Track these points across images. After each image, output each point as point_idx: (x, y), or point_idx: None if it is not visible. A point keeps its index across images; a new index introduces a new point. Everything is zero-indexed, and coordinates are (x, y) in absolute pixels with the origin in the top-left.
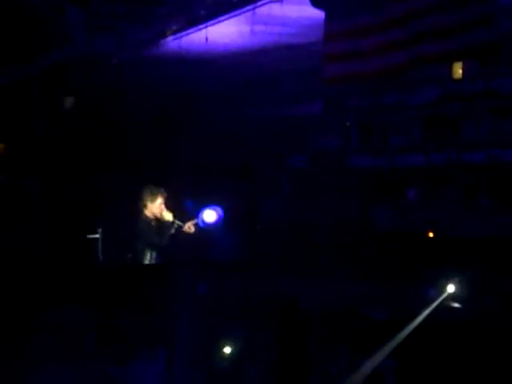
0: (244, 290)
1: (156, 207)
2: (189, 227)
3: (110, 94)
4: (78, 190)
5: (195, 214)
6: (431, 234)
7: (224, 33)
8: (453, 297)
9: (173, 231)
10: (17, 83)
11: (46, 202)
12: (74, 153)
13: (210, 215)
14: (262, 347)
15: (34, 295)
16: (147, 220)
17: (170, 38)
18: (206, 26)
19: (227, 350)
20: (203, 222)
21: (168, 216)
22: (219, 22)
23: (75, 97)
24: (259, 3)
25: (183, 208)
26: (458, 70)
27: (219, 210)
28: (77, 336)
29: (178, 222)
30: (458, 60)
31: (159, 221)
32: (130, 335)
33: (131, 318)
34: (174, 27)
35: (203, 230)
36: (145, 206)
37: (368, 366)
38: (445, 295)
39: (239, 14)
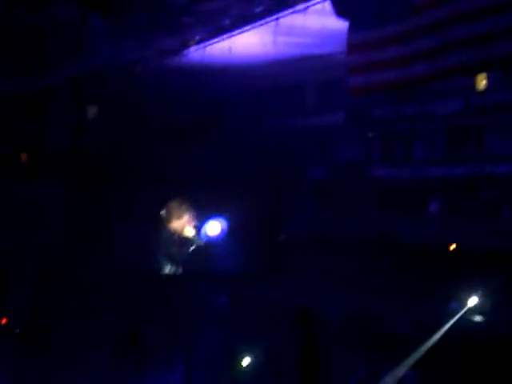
0: (264, 301)
1: (180, 223)
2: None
3: (133, 103)
4: (98, 199)
5: (198, 226)
6: (453, 247)
7: (247, 43)
8: (475, 310)
9: (193, 247)
10: (41, 92)
11: (67, 209)
12: (96, 162)
13: (213, 228)
14: (282, 358)
15: (55, 303)
16: (170, 233)
17: (193, 48)
18: (230, 37)
19: (246, 361)
20: (206, 235)
21: (190, 232)
22: (243, 32)
23: (98, 106)
24: (282, 14)
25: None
26: (481, 82)
27: (223, 221)
28: (97, 344)
29: (198, 239)
30: (482, 71)
31: (181, 235)
32: (149, 344)
33: (151, 327)
34: (198, 37)
35: (211, 242)
36: (169, 221)
37: (389, 380)
38: (467, 308)
39: (262, 25)
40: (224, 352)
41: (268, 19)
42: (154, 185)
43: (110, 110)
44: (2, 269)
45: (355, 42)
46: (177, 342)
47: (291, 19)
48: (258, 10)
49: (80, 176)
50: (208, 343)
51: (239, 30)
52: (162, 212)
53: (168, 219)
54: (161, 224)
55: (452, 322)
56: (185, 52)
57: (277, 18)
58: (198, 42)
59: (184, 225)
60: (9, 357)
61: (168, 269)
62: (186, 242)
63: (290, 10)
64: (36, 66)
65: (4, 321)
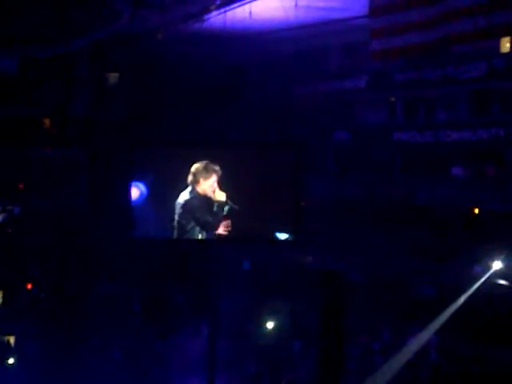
0: (288, 265)
1: (209, 185)
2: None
3: (155, 69)
4: (120, 165)
5: None
6: (477, 211)
7: (268, 7)
8: (499, 273)
9: (225, 212)
10: (63, 58)
11: (91, 173)
12: (118, 127)
13: (132, 192)
14: (306, 322)
15: (81, 266)
16: (198, 197)
17: (214, 13)
18: (251, 1)
19: (270, 324)
20: None
21: (221, 196)
22: None
23: (119, 73)
24: None
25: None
26: (506, 44)
27: (142, 186)
28: (123, 308)
29: (230, 202)
30: (506, 34)
31: (211, 200)
32: (175, 309)
33: (176, 291)
34: (219, 2)
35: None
36: (197, 183)
37: (413, 345)
38: (491, 272)
39: None
40: (248, 316)
41: None
42: (177, 149)
43: (131, 76)
44: (28, 235)
45: (377, 4)
46: (202, 306)
47: None
48: None
49: (101, 142)
50: (232, 307)
51: None
52: (189, 175)
53: (195, 181)
54: (189, 188)
55: (476, 285)
56: (206, 17)
57: None
58: (219, 7)
59: (213, 187)
60: (34, 320)
61: (200, 236)
62: (218, 207)
63: None
64: (60, 31)
65: (29, 286)
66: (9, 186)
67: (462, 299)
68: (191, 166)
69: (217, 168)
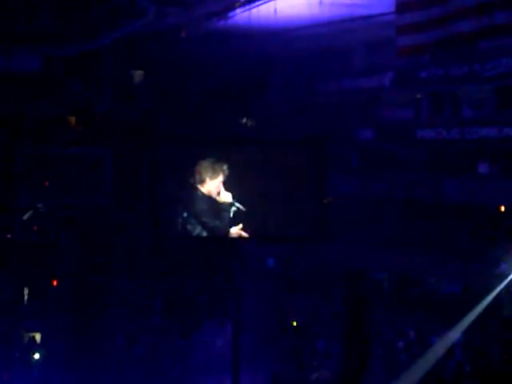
0: (312, 263)
1: (214, 185)
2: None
3: (179, 67)
4: (142, 163)
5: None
6: (503, 208)
7: (293, 4)
8: None
9: (231, 214)
10: (87, 56)
11: (116, 171)
12: (141, 125)
13: None
14: (330, 320)
15: (105, 264)
16: (203, 199)
17: (238, 11)
18: None
19: (294, 323)
20: None
21: (226, 197)
22: None
23: (144, 70)
24: None
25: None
26: None
27: None
28: (146, 306)
29: (237, 203)
30: None
31: (216, 201)
32: (197, 307)
33: (199, 289)
34: None
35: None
36: (203, 182)
37: (439, 344)
38: None
39: None
40: (272, 314)
41: None
42: (197, 146)
43: (156, 74)
44: (53, 232)
45: (404, 1)
46: (225, 304)
47: None
48: None
49: (125, 140)
50: (256, 305)
51: None
52: (196, 174)
53: (200, 181)
54: (195, 188)
55: (503, 284)
56: (230, 15)
57: None
58: (244, 4)
59: (218, 187)
60: (59, 317)
61: (198, 233)
62: (224, 209)
63: None
64: (85, 28)
65: (55, 283)
66: (34, 184)
67: (489, 298)
68: (199, 164)
69: (224, 168)
